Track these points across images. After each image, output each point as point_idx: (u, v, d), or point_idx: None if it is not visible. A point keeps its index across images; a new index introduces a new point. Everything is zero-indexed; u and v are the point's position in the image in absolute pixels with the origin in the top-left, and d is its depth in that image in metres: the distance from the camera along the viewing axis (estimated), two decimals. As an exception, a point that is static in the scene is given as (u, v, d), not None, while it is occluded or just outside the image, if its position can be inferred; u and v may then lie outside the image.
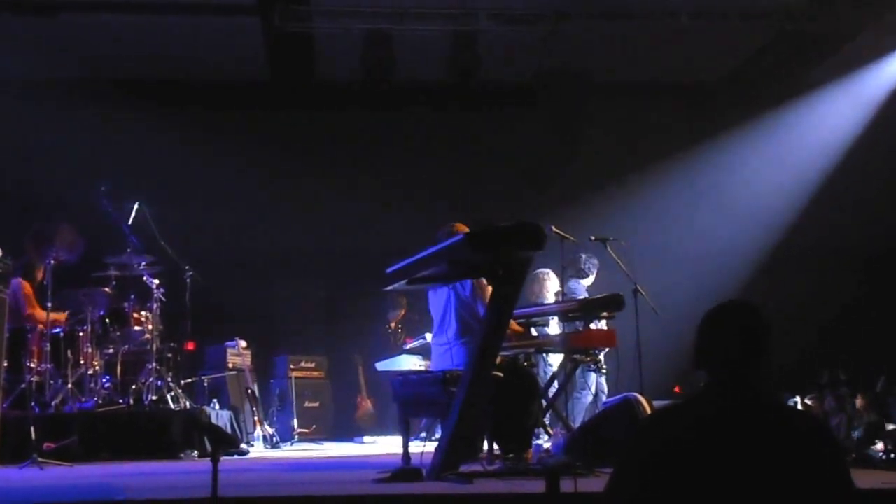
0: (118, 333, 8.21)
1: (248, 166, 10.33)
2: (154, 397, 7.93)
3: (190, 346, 8.98)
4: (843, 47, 10.00)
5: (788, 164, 10.93)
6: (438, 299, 6.29)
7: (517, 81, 10.85)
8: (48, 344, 7.50)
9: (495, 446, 5.92)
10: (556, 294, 8.11)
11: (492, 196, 10.79)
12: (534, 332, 7.12)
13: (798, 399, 8.77)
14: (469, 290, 6.11)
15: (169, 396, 8.03)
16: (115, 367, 8.16)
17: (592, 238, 7.86)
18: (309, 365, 10.12)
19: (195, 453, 7.41)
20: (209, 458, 3.76)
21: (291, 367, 9.93)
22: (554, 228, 7.37)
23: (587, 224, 8.72)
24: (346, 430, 10.15)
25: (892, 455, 6.66)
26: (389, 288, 6.21)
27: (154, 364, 8.04)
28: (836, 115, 10.68)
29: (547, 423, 7.03)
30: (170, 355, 8.45)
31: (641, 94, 11.09)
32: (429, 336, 7.47)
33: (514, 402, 6.01)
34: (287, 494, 4.49)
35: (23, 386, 7.29)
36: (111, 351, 8.16)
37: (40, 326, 7.63)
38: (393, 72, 9.83)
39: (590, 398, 8.27)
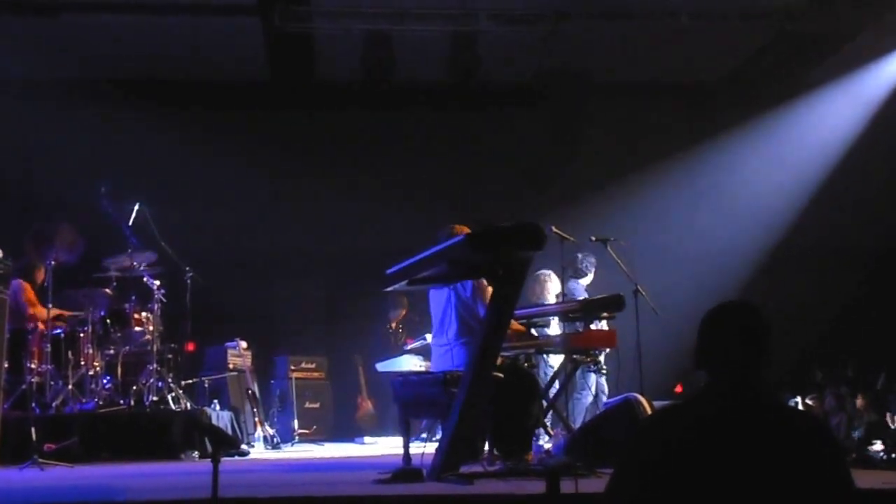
0: (119, 334, 8.22)
1: (248, 166, 10.33)
2: (155, 398, 7.93)
3: (190, 346, 8.97)
4: (843, 47, 10.01)
5: (788, 164, 10.93)
6: (439, 300, 6.29)
7: (517, 81, 10.85)
8: (49, 345, 7.50)
9: (496, 447, 5.92)
10: (557, 296, 8.11)
11: (492, 196, 10.79)
12: (534, 332, 7.12)
13: (798, 399, 8.78)
14: (470, 290, 6.10)
15: (169, 397, 8.03)
16: (116, 368, 8.16)
17: (593, 238, 7.86)
18: (309, 366, 10.12)
19: (196, 454, 7.41)
20: (210, 459, 3.76)
21: (292, 367, 9.93)
22: (554, 229, 7.37)
23: (587, 224, 8.72)
24: (347, 431, 10.15)
25: (893, 455, 6.67)
26: (390, 289, 6.21)
27: (155, 365, 8.04)
28: (835, 115, 10.68)
29: (547, 423, 7.03)
30: (170, 356, 8.45)
31: (641, 94, 11.09)
32: (429, 337, 7.47)
33: (515, 402, 6.00)
34: (287, 495, 4.49)
35: (23, 387, 7.30)
36: (112, 352, 8.16)
37: (41, 326, 7.64)
38: (393, 72, 9.84)
39: (590, 398, 8.26)
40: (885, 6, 9.34)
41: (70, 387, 7.67)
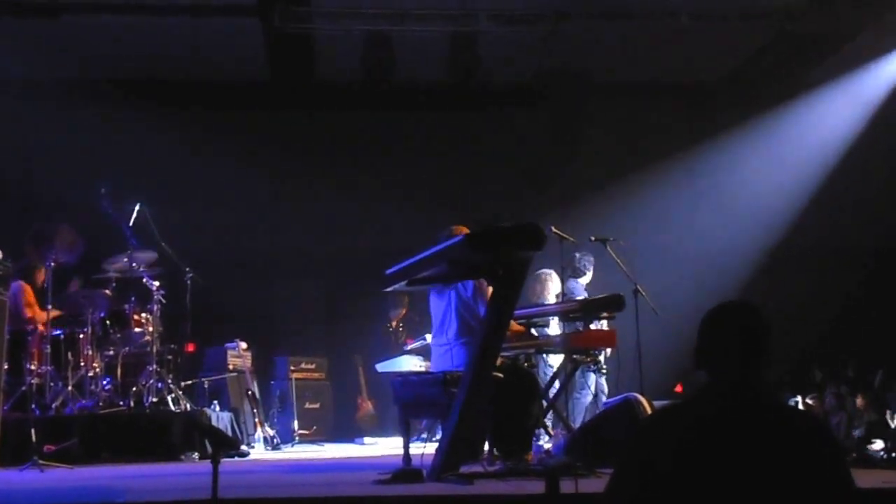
0: (118, 335, 8.21)
1: (248, 166, 10.33)
2: (154, 399, 7.93)
3: (190, 347, 8.97)
4: (843, 47, 10.01)
5: (788, 164, 10.93)
6: (439, 300, 6.28)
7: (517, 81, 10.85)
8: (48, 346, 7.50)
9: (496, 447, 5.92)
10: (557, 296, 8.10)
11: (492, 196, 10.79)
12: (534, 332, 7.12)
13: (798, 399, 8.78)
14: (471, 290, 6.10)
15: (169, 398, 8.02)
16: (116, 369, 8.16)
17: (592, 238, 7.85)
18: (309, 366, 10.11)
19: (195, 455, 7.40)
20: (209, 460, 3.75)
21: (292, 368, 9.92)
22: (554, 229, 7.37)
23: (587, 224, 8.72)
24: (347, 432, 10.15)
25: (893, 454, 6.66)
26: (389, 289, 6.20)
27: (154, 366, 8.03)
28: (835, 115, 10.68)
29: (547, 423, 7.02)
30: (170, 357, 8.44)
31: (641, 94, 11.09)
32: (429, 337, 7.47)
33: (515, 402, 6.00)
34: (288, 496, 4.49)
35: (23, 388, 7.29)
36: (111, 353, 8.16)
37: (41, 328, 7.63)
38: (393, 72, 9.84)
39: (590, 398, 8.26)
40: (885, 6, 9.34)
41: (70, 388, 7.66)
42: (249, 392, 9.19)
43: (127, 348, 8.25)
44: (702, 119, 11.33)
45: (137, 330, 8.29)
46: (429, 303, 6.49)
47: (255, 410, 9.15)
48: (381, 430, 9.99)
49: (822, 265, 10.83)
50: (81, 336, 7.86)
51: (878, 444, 7.20)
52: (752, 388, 2.46)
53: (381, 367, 9.23)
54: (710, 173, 11.19)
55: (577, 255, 8.54)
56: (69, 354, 7.79)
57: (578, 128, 10.99)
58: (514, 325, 6.44)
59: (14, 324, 7.47)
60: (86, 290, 8.14)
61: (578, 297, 7.88)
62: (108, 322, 8.13)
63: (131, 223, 8.31)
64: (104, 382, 7.95)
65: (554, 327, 7.63)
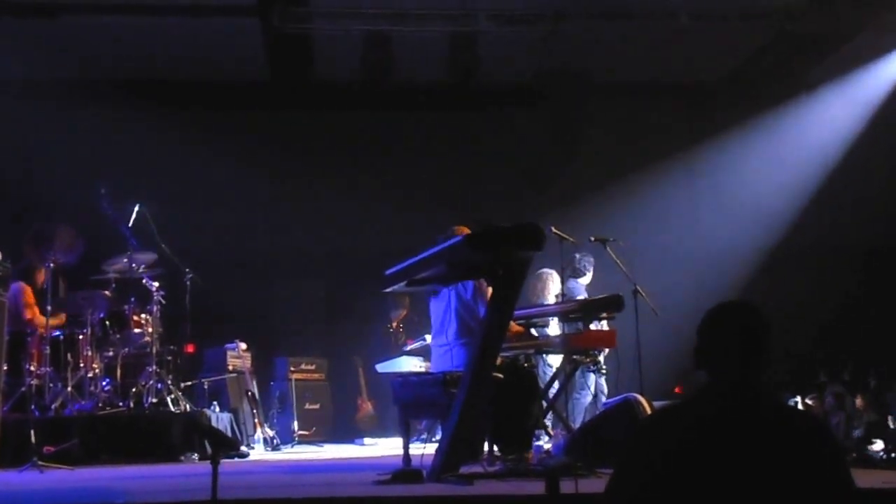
0: (118, 336, 8.20)
1: (248, 166, 10.33)
2: (154, 400, 7.92)
3: (190, 348, 8.96)
4: (843, 47, 10.00)
5: (788, 163, 10.93)
6: (439, 300, 6.28)
7: (517, 81, 10.85)
8: (48, 347, 7.49)
9: (495, 447, 5.91)
10: (557, 296, 8.10)
11: (492, 196, 10.79)
12: (533, 332, 7.11)
13: (798, 399, 8.77)
14: (471, 291, 6.10)
15: (169, 399, 8.01)
16: (115, 370, 8.14)
17: (592, 238, 7.85)
18: (309, 367, 10.11)
19: (195, 456, 7.39)
20: (209, 461, 3.75)
21: (291, 368, 9.92)
22: (553, 229, 7.36)
23: (587, 224, 8.71)
24: (347, 432, 10.14)
25: (893, 454, 6.66)
26: (389, 289, 6.20)
27: (154, 367, 8.02)
28: (835, 114, 10.68)
29: (547, 423, 7.02)
30: (170, 358, 8.43)
31: (641, 94, 11.09)
32: (429, 337, 7.46)
33: (515, 403, 5.99)
34: (287, 496, 4.48)
35: (22, 389, 7.28)
36: (111, 354, 8.15)
37: (40, 330, 7.62)
38: (392, 72, 9.83)
39: (589, 399, 8.26)
40: (885, 6, 9.34)
41: (69, 389, 7.65)
42: (249, 393, 9.18)
43: (126, 349, 8.25)
44: (702, 119, 11.33)
45: (137, 331, 8.28)
46: (428, 304, 6.49)
47: (254, 411, 9.15)
48: (380, 431, 9.98)
49: (822, 264, 10.82)
50: (81, 337, 7.85)
51: (877, 445, 7.19)
52: (752, 388, 2.45)
53: (381, 367, 9.22)
54: (709, 173, 11.19)
55: (578, 255, 8.54)
56: (69, 355, 7.78)
57: (578, 128, 10.99)
58: (513, 326, 6.44)
59: (13, 325, 7.46)
60: (85, 290, 8.13)
61: (579, 297, 7.89)
62: (107, 323, 8.12)
63: (130, 224, 8.30)
64: (104, 383, 7.94)
65: (553, 327, 7.63)
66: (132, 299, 8.32)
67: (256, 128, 10.82)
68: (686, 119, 11.44)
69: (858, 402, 8.04)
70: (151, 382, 7.97)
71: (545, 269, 8.35)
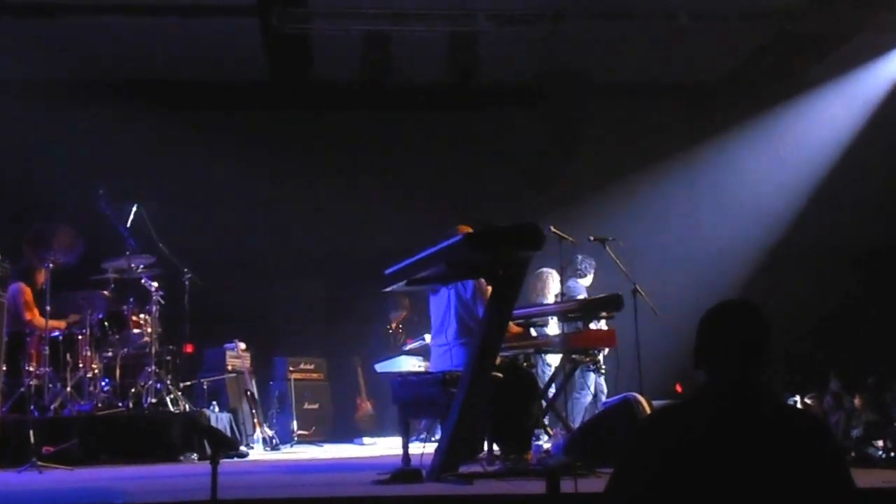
0: (117, 336, 8.20)
1: (247, 166, 10.33)
2: (153, 400, 7.91)
3: (189, 348, 8.95)
4: (842, 47, 10.00)
5: (788, 163, 10.94)
6: (439, 300, 6.28)
7: (517, 81, 10.85)
8: (47, 347, 7.49)
9: (495, 447, 5.91)
10: (557, 296, 8.10)
11: (492, 196, 10.78)
12: (533, 332, 7.11)
13: (798, 398, 8.77)
14: (471, 291, 6.09)
15: (168, 399, 8.01)
16: (114, 370, 8.14)
17: (591, 238, 7.85)
18: (308, 367, 10.10)
19: (195, 456, 7.39)
20: (209, 461, 3.75)
21: (291, 368, 9.91)
22: (553, 229, 7.36)
23: (587, 224, 8.71)
24: (346, 432, 10.14)
25: (893, 454, 6.65)
26: (388, 289, 6.19)
27: (153, 367, 8.02)
28: (835, 114, 10.68)
29: (547, 423, 7.02)
30: (169, 358, 8.42)
31: (641, 94, 11.08)
32: (428, 337, 7.46)
33: (514, 402, 5.99)
34: (287, 496, 4.48)
35: (22, 389, 7.28)
36: (110, 354, 8.14)
37: (39, 331, 7.62)
38: (392, 72, 9.83)
39: (589, 398, 8.26)
40: (884, 6, 9.34)
41: (68, 389, 7.64)
42: (248, 393, 9.18)
43: (126, 349, 8.24)
44: (702, 119, 11.32)
45: (136, 331, 8.28)
46: (428, 303, 6.49)
47: (254, 411, 9.14)
48: (380, 431, 9.98)
49: (822, 264, 10.82)
50: (80, 337, 7.85)
51: (878, 444, 7.18)
52: (752, 388, 2.45)
53: (381, 367, 9.23)
54: (709, 173, 11.18)
55: (579, 257, 8.54)
56: (68, 356, 7.77)
57: (578, 128, 10.99)
58: (512, 327, 6.43)
59: (13, 325, 7.46)
60: (84, 291, 8.12)
61: (579, 297, 7.89)
62: (106, 323, 8.12)
63: (129, 224, 8.30)
64: (103, 383, 7.94)
65: (553, 327, 7.63)
66: (131, 299, 8.31)
67: (256, 128, 10.82)
68: (686, 119, 11.43)
69: (857, 401, 8.03)
70: (150, 382, 7.97)
71: (545, 269, 8.35)
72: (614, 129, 11.01)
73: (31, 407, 7.18)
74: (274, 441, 8.96)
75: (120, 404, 7.84)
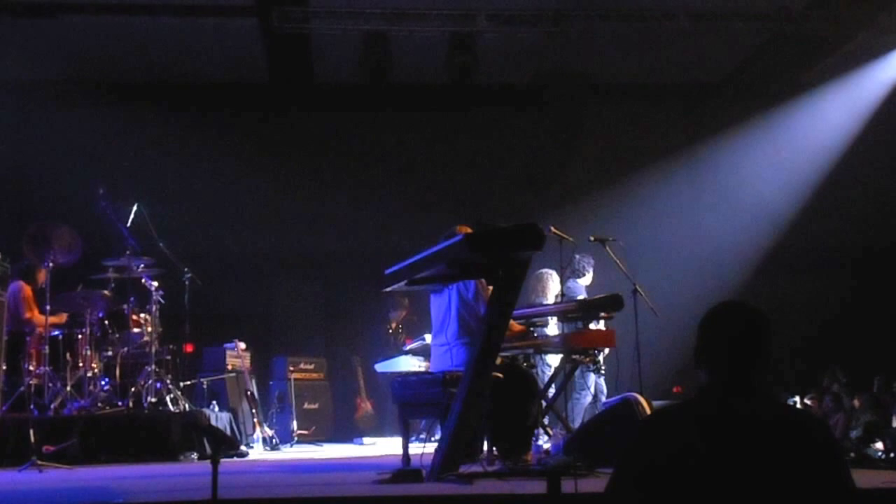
0: (117, 336, 8.20)
1: (247, 167, 10.34)
2: (153, 399, 7.91)
3: (189, 348, 8.95)
4: (841, 48, 10.01)
5: (788, 163, 10.95)
6: (440, 300, 6.27)
7: (517, 82, 10.85)
8: (47, 346, 7.48)
9: (495, 447, 5.91)
10: (556, 296, 8.10)
11: (492, 196, 10.79)
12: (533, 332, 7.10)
13: (798, 399, 8.78)
14: (472, 291, 6.09)
15: (168, 398, 8.01)
16: (114, 370, 8.14)
17: (591, 238, 7.84)
18: (308, 366, 10.11)
19: (194, 455, 7.39)
20: (209, 460, 3.75)
21: (291, 368, 9.91)
22: (553, 229, 7.36)
23: (587, 224, 8.72)
24: (346, 432, 10.14)
25: (892, 454, 6.66)
26: (388, 289, 6.19)
27: (153, 366, 8.01)
28: (834, 115, 10.69)
29: (546, 423, 7.01)
30: (169, 357, 8.42)
31: (641, 94, 11.09)
32: (428, 337, 7.46)
33: (514, 402, 5.99)
34: (287, 496, 4.48)
35: (21, 389, 7.28)
36: (110, 353, 8.14)
37: (39, 329, 7.62)
38: (392, 72, 9.83)
39: (589, 398, 8.25)
40: (882, 7, 9.35)
41: (68, 388, 7.64)
42: (248, 392, 9.18)
43: (125, 349, 8.24)
44: (701, 119, 11.33)
45: (136, 330, 8.28)
46: (429, 303, 6.49)
47: (253, 411, 9.14)
48: (379, 431, 9.98)
49: (822, 265, 10.84)
50: (80, 336, 7.85)
51: (877, 445, 7.19)
52: (752, 388, 2.45)
53: (380, 367, 9.23)
54: (709, 173, 11.20)
55: (578, 256, 8.54)
56: (68, 355, 7.77)
57: (578, 128, 10.99)
58: (515, 325, 6.43)
59: (13, 324, 7.46)
60: (85, 290, 8.13)
61: (579, 297, 7.88)
62: (106, 322, 8.12)
63: (129, 224, 8.30)
64: (103, 383, 7.94)
65: (552, 327, 7.62)
66: (131, 299, 8.30)
67: (255, 128, 10.83)
68: (685, 119, 11.45)
69: (856, 402, 8.04)
70: (150, 382, 7.96)
71: (545, 269, 8.35)
72: (614, 129, 11.02)
73: (31, 406, 7.18)
74: (274, 441, 8.95)
75: (120, 403, 7.84)
